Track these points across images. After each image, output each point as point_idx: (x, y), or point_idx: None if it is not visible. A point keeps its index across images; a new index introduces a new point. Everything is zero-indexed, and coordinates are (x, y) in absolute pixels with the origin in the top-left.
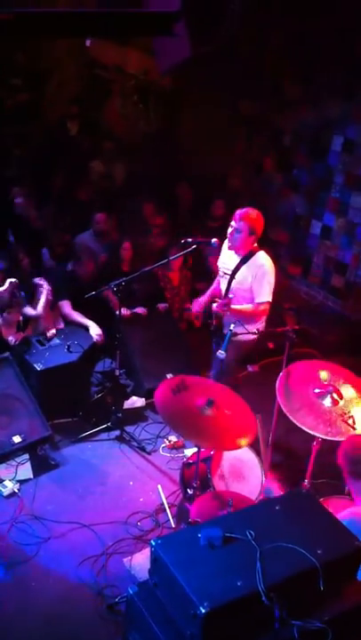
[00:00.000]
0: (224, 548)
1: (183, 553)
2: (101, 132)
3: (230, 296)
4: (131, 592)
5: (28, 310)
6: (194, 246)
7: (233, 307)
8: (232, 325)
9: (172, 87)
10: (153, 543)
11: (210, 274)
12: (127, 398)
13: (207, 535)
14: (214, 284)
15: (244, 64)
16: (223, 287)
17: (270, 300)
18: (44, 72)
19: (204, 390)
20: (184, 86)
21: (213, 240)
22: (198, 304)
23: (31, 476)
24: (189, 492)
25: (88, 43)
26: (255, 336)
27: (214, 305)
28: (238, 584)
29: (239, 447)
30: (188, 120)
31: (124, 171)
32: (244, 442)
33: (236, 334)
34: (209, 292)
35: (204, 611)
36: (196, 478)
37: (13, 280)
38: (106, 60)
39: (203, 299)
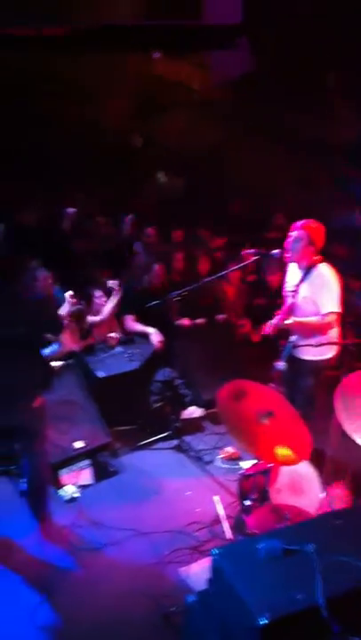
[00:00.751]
0: (284, 559)
1: (243, 563)
2: (162, 145)
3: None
4: (189, 601)
5: (93, 318)
6: (255, 257)
7: (296, 319)
8: (293, 337)
9: (231, 102)
10: (214, 553)
11: (268, 290)
12: (185, 408)
13: (267, 547)
14: (284, 307)
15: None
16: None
17: (337, 311)
18: (106, 87)
19: (267, 400)
20: (242, 101)
21: (275, 251)
22: (270, 327)
23: (91, 482)
24: (247, 503)
25: (156, 55)
26: (333, 354)
27: (277, 318)
28: (298, 597)
29: (290, 463)
30: (246, 134)
31: (182, 183)
32: (294, 458)
33: (297, 347)
34: (280, 315)
35: (263, 622)
36: (255, 490)
37: (70, 293)
38: (168, 75)
39: (274, 321)
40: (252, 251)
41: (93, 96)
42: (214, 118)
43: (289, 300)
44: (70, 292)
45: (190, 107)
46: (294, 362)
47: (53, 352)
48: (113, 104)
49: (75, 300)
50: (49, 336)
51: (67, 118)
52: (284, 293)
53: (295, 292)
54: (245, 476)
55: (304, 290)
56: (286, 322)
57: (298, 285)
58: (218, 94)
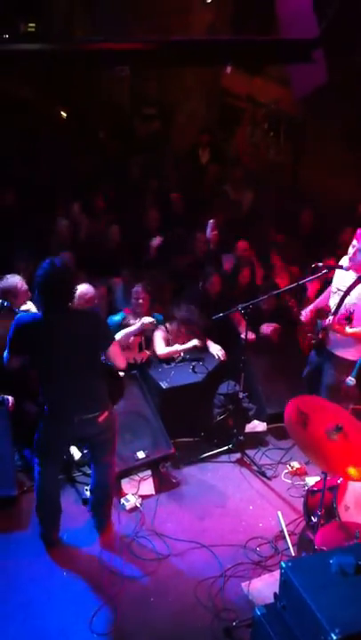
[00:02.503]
0: (357, 576)
1: (314, 577)
2: (231, 159)
3: (352, 310)
4: (258, 613)
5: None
6: (325, 271)
7: (348, 330)
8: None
9: (302, 116)
10: (283, 565)
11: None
12: (249, 422)
13: (340, 562)
14: (322, 297)
15: None
16: (333, 303)
17: None
18: (175, 101)
19: (334, 416)
20: (314, 115)
21: (345, 265)
22: (306, 314)
23: (153, 492)
24: (313, 519)
25: (228, 70)
26: None
27: (328, 319)
28: None
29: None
30: (316, 148)
31: (251, 198)
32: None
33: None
34: (316, 303)
35: (335, 637)
36: (321, 506)
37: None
38: (237, 89)
39: (310, 308)
40: (321, 264)
41: (165, 111)
42: (285, 131)
43: (333, 297)
44: (148, 320)
45: (261, 121)
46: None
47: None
48: (183, 118)
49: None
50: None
51: (137, 133)
52: (329, 288)
53: (346, 292)
54: (312, 492)
55: (356, 292)
56: (339, 330)
57: (350, 287)
58: (289, 107)
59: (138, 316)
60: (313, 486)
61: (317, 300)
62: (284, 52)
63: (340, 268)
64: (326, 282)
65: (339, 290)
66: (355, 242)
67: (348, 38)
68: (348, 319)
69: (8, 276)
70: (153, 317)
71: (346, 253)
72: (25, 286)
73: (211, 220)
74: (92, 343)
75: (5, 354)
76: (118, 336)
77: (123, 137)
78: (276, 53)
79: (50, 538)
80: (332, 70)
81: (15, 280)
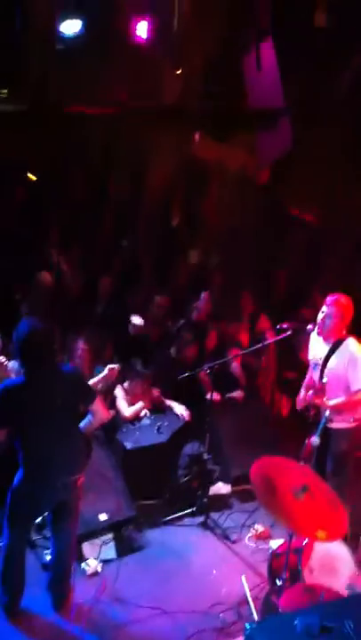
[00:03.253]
0: (320, 636)
1: (280, 639)
2: (199, 223)
3: (324, 380)
4: None
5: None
6: (289, 332)
7: (330, 403)
8: (327, 412)
9: (270, 179)
10: (248, 627)
11: (299, 364)
12: (213, 484)
13: (305, 622)
14: (307, 377)
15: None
16: (316, 377)
17: None
18: (146, 165)
19: (300, 475)
20: (282, 178)
21: (309, 326)
22: (300, 401)
23: (115, 557)
24: (278, 583)
25: (197, 137)
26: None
27: (309, 393)
28: None
29: (330, 539)
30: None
31: (218, 260)
32: (330, 535)
33: (331, 421)
34: (304, 386)
35: None
36: (286, 569)
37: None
38: (205, 155)
39: (301, 394)
40: (286, 325)
41: (136, 174)
42: (252, 196)
43: (314, 373)
44: (114, 366)
45: (228, 186)
46: (325, 432)
47: (88, 423)
48: (154, 182)
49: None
50: (81, 407)
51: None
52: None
53: (323, 365)
54: (276, 555)
55: (332, 363)
56: (321, 404)
57: (325, 359)
58: (256, 173)
59: None
60: (277, 549)
61: (305, 381)
62: (252, 120)
63: (305, 328)
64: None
65: (316, 364)
66: (324, 308)
67: (314, 107)
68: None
69: None
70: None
71: (313, 314)
72: None
73: (204, 292)
74: (75, 401)
75: None
76: None
77: (96, 196)
78: (243, 121)
79: (13, 607)
80: (298, 138)
81: None
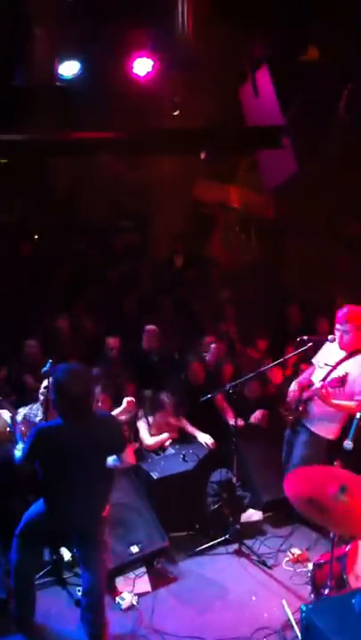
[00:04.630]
0: None
1: (338, 619)
2: (206, 262)
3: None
4: None
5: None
6: (310, 344)
7: (333, 401)
8: (358, 414)
9: (274, 216)
10: (304, 608)
11: None
12: (244, 511)
13: None
14: (304, 375)
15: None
16: (317, 378)
17: None
18: (150, 214)
19: (333, 477)
20: (287, 214)
21: (330, 336)
22: (293, 393)
23: (149, 589)
24: (324, 592)
25: (203, 156)
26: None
27: (315, 386)
28: None
29: None
30: (293, 245)
31: (228, 296)
32: None
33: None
34: (299, 381)
35: None
36: (331, 578)
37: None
38: (208, 197)
39: (295, 387)
40: (306, 338)
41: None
42: (258, 234)
43: (319, 373)
44: (130, 399)
45: (233, 225)
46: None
47: (112, 466)
48: (159, 229)
49: (132, 406)
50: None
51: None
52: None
53: (334, 367)
54: (318, 565)
55: (342, 368)
56: (329, 396)
57: (338, 362)
58: (259, 210)
59: None
60: (319, 559)
61: (300, 378)
62: (252, 139)
63: (326, 340)
64: None
65: (326, 364)
66: (338, 325)
67: (315, 125)
68: (342, 382)
69: None
70: None
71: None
72: None
73: (213, 345)
74: (107, 448)
75: (20, 456)
76: None
77: (100, 249)
78: (244, 140)
79: (26, 622)
80: (303, 156)
81: None
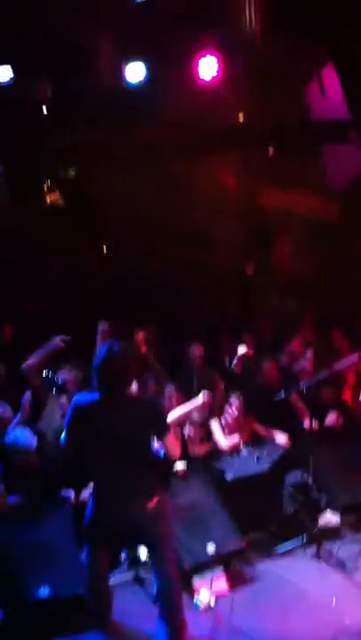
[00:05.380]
0: None
1: None
2: (273, 270)
3: None
4: None
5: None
6: None
7: None
8: None
9: (339, 219)
10: None
11: None
12: (321, 514)
13: None
14: None
15: None
16: None
17: None
18: (210, 226)
19: None
20: (354, 218)
21: None
22: None
23: (226, 590)
24: None
25: (271, 152)
26: None
27: None
28: None
29: None
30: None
31: (296, 304)
32: None
33: None
34: None
35: None
36: None
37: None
38: (272, 205)
39: None
40: None
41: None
42: (325, 239)
43: None
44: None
45: (299, 231)
46: None
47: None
48: (223, 238)
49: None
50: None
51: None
52: None
53: None
54: None
55: None
56: None
57: None
58: (325, 215)
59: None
60: None
61: None
62: (319, 133)
63: None
64: None
65: None
66: None
67: None
68: None
69: None
70: None
71: None
72: None
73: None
74: (146, 431)
75: (63, 436)
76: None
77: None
78: (311, 135)
79: (105, 619)
80: None
81: None
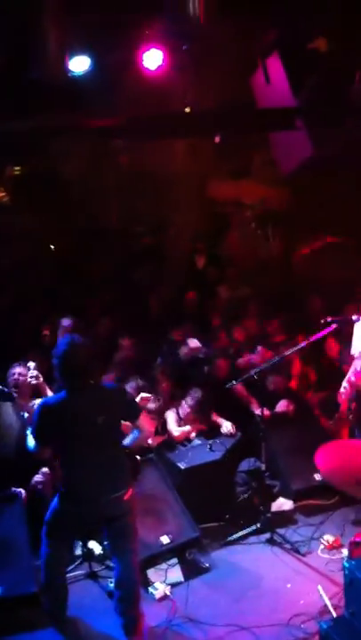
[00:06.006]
0: None
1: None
2: (224, 260)
3: None
4: (324, 627)
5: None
6: (334, 325)
7: None
8: None
9: (288, 209)
10: (346, 565)
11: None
12: (274, 500)
13: None
14: (352, 369)
15: None
16: None
17: None
18: (164, 217)
19: None
20: (302, 206)
21: (355, 316)
22: (345, 391)
23: (182, 579)
24: None
25: (217, 139)
26: None
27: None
28: None
29: None
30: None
31: (248, 293)
32: None
33: None
34: (346, 380)
35: None
36: None
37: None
38: (222, 195)
39: (347, 389)
40: (330, 319)
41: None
42: (273, 229)
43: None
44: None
45: (249, 222)
46: None
47: (135, 439)
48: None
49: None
50: (127, 422)
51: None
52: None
53: None
54: (356, 544)
55: None
56: None
57: None
58: (275, 204)
59: None
60: (355, 538)
61: (349, 375)
62: (266, 120)
63: (351, 321)
64: None
65: None
66: None
67: (331, 108)
68: None
69: None
70: None
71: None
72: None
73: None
74: (117, 417)
75: (33, 443)
76: None
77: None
78: (258, 122)
79: (59, 615)
80: (318, 141)
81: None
